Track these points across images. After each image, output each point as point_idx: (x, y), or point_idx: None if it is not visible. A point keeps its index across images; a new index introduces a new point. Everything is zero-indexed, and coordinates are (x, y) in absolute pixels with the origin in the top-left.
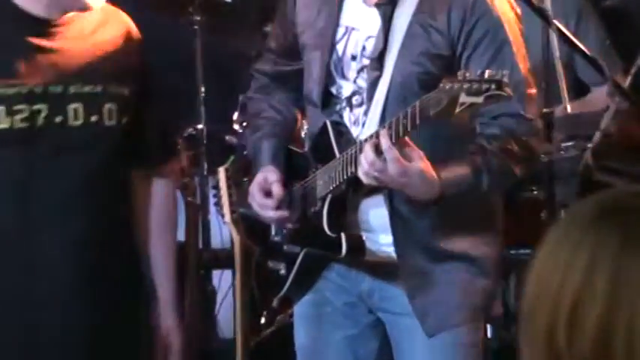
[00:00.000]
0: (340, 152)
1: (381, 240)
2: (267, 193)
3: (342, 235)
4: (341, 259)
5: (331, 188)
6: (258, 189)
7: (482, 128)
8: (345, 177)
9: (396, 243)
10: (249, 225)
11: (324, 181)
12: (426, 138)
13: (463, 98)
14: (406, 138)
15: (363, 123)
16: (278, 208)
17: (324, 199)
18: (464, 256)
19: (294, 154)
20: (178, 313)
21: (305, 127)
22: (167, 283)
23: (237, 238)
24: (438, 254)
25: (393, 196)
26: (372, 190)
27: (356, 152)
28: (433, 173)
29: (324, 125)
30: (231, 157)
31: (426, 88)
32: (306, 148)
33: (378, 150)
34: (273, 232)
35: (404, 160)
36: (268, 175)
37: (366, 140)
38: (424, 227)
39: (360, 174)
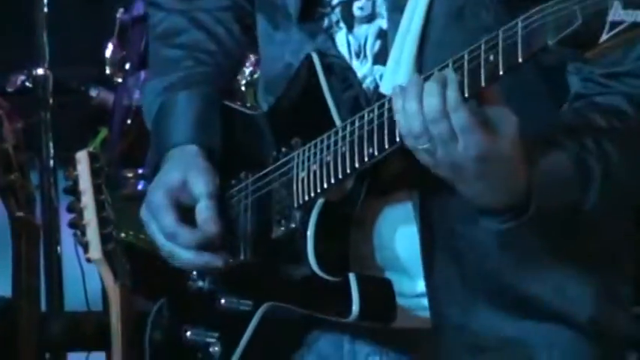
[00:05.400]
0: (342, 116)
1: (419, 288)
2: (185, 211)
3: (351, 279)
4: (344, 325)
5: (325, 186)
6: (168, 201)
7: (590, 90)
8: (355, 165)
9: (431, 291)
10: (141, 262)
11: (307, 172)
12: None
13: (617, 14)
14: (493, 90)
15: (376, 56)
16: (207, 245)
17: (307, 208)
18: (562, 314)
19: (238, 118)
20: None
21: (248, 67)
22: None
23: (114, 290)
24: (516, 307)
25: (427, 201)
26: (396, 188)
27: (380, 115)
28: (523, 162)
29: (306, 61)
30: (102, 131)
31: None
32: (260, 107)
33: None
34: (192, 274)
35: (489, 130)
36: (189, 177)
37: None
38: (489, 256)
39: (403, 130)
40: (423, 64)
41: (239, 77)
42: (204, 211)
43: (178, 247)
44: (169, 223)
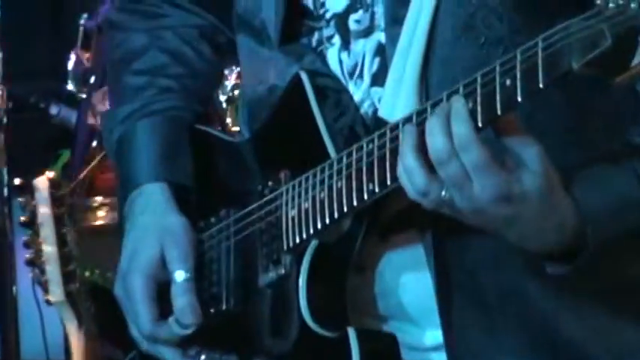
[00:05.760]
0: (337, 146)
1: (428, 340)
2: (163, 284)
3: (350, 334)
4: None
5: (318, 227)
6: (147, 293)
7: None
8: (352, 203)
9: (451, 344)
10: (108, 305)
11: (298, 211)
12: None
13: None
14: (511, 117)
15: (374, 76)
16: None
17: (298, 252)
18: None
19: (215, 144)
20: None
21: (229, 80)
22: None
23: (77, 337)
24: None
25: (442, 242)
26: (402, 228)
27: (382, 145)
28: (563, 195)
29: (295, 81)
30: (64, 155)
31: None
32: (241, 135)
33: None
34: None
35: (506, 167)
36: (165, 249)
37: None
38: (524, 302)
39: (410, 191)
40: (428, 85)
41: (219, 92)
42: (180, 296)
43: (159, 344)
44: (147, 324)
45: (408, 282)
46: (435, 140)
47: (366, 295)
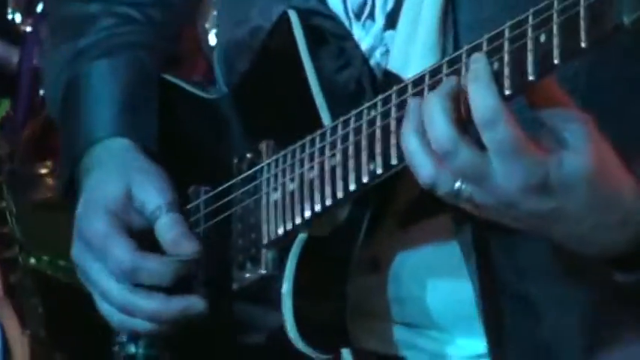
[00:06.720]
0: (333, 110)
1: (456, 350)
2: (143, 235)
3: (345, 356)
4: None
5: (306, 216)
6: (115, 227)
7: None
8: (348, 187)
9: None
10: (59, 302)
11: (282, 194)
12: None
13: None
14: (549, 82)
15: (389, 16)
16: (185, 276)
17: (282, 248)
18: None
19: (185, 101)
20: None
21: (211, 30)
22: None
23: (20, 342)
24: None
25: (487, 238)
26: (425, 217)
27: (386, 113)
28: (624, 179)
29: (281, 22)
30: (2, 104)
31: None
32: (218, 90)
33: (460, 112)
34: (119, 336)
35: (541, 146)
36: (134, 185)
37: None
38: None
39: (425, 187)
40: (457, 25)
41: (209, 30)
42: (168, 229)
43: (140, 295)
44: (127, 255)
45: (433, 287)
46: (436, 127)
47: (377, 302)
